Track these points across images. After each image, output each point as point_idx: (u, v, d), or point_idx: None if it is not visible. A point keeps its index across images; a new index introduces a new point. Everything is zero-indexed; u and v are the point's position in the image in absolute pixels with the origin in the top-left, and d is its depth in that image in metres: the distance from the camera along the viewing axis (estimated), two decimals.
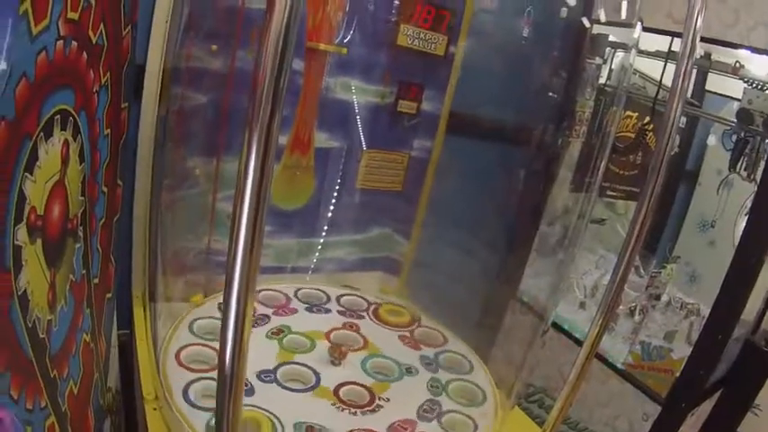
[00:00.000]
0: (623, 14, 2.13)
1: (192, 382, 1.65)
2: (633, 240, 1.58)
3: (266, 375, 1.78)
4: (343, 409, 1.70)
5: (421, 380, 1.90)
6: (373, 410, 1.72)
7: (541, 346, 2.62)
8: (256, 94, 0.87)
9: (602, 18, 2.27)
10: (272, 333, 2.01)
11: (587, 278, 2.96)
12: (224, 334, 0.93)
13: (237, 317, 0.93)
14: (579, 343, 2.05)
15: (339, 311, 2.23)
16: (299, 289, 2.31)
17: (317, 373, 1.84)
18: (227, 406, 0.96)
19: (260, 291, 2.23)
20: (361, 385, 1.82)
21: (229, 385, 0.95)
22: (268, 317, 2.10)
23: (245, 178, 0.89)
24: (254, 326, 2.02)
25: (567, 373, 1.67)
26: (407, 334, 2.16)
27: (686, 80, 1.47)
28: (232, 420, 0.98)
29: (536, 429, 1.99)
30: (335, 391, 1.77)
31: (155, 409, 1.63)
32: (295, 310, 2.18)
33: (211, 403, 1.05)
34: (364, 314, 2.24)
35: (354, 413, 1.69)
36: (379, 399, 1.77)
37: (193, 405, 1.57)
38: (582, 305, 2.83)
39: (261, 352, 1.90)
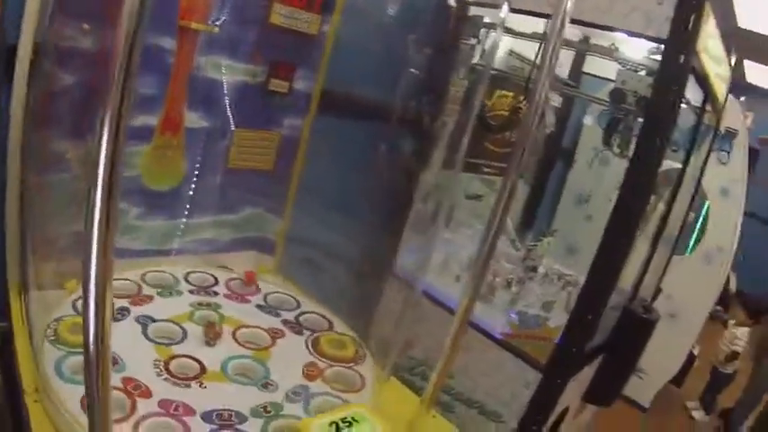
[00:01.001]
0: None
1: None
2: (499, 212, 1.64)
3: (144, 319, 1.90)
4: (157, 365, 1.75)
5: (262, 398, 1.80)
6: (178, 384, 1.71)
7: (417, 320, 2.69)
8: (109, 72, 0.88)
9: None
10: (198, 304, 2.11)
11: (463, 252, 3.02)
12: (86, 312, 0.95)
13: (97, 296, 0.95)
14: None
15: (286, 320, 2.22)
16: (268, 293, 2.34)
17: (184, 333, 1.92)
18: (95, 383, 0.99)
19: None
20: (198, 362, 1.82)
21: (96, 364, 0.98)
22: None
23: (99, 154, 0.89)
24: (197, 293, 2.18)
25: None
26: (318, 365, 2.04)
27: (553, 59, 1.54)
28: (101, 392, 1.00)
29: (414, 399, 2.03)
30: (172, 357, 1.80)
31: (36, 401, 1.60)
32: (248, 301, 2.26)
33: None
34: (307, 333, 2.20)
35: (160, 374, 1.72)
36: (202, 384, 1.75)
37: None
38: (458, 278, 2.89)
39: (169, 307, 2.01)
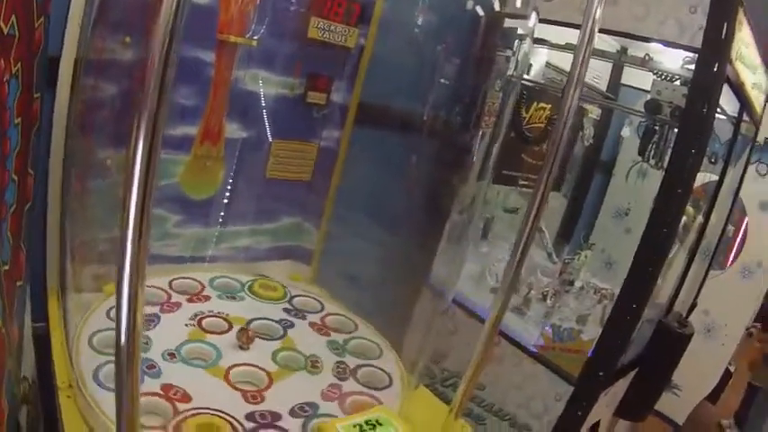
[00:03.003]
0: (518, 3, 2.20)
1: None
2: (530, 223, 1.65)
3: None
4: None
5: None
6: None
7: (452, 332, 2.70)
8: (145, 82, 0.92)
9: (496, 7, 2.33)
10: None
11: (500, 266, 3.01)
12: (118, 314, 0.99)
13: (130, 299, 0.99)
14: None
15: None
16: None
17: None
18: (125, 383, 1.03)
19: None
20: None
21: (126, 363, 1.02)
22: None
23: (133, 163, 0.94)
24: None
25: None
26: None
27: (583, 68, 1.55)
28: (130, 395, 1.04)
29: (443, 408, 2.05)
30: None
31: (68, 396, 1.64)
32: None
33: None
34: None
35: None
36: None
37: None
38: (495, 291, 2.87)
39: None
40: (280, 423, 1.64)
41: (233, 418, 1.62)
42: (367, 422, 1.48)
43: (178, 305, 2.13)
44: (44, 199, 1.97)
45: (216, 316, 2.11)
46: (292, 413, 1.69)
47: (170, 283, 2.24)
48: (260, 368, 1.87)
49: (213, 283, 2.33)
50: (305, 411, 1.71)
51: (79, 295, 1.97)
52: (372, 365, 2.03)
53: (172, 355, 1.85)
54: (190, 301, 2.17)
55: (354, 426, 1.45)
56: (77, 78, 1.91)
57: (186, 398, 1.66)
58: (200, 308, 2.14)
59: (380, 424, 1.49)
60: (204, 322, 2.05)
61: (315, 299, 2.39)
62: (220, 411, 1.63)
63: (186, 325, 2.03)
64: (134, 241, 0.97)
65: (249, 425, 1.62)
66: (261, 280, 2.41)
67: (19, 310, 1.71)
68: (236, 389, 1.76)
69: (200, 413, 1.60)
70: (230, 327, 2.05)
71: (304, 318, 2.24)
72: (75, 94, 1.93)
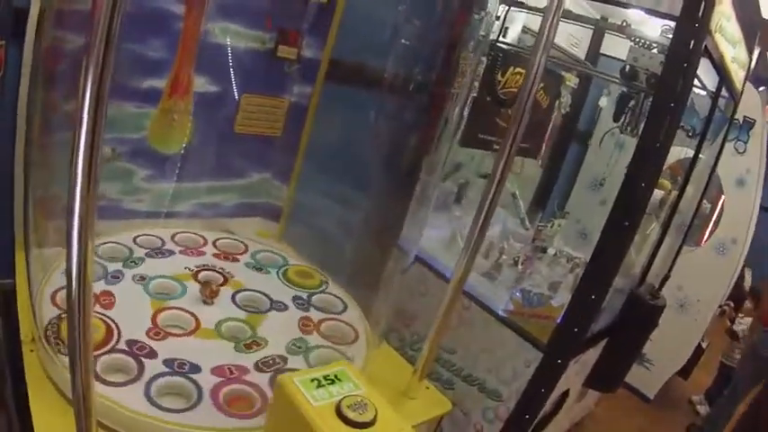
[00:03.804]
0: None
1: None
2: (494, 186, 1.65)
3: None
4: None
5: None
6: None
7: (422, 294, 2.69)
8: (92, 28, 0.90)
9: None
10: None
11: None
12: (69, 267, 1.01)
13: (80, 253, 1.01)
14: (464, 292, 2.12)
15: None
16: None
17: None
18: (78, 341, 1.05)
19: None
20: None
21: (78, 317, 1.04)
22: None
23: (81, 111, 0.95)
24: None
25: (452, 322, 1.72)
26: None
27: (552, 32, 1.56)
28: (83, 349, 1.05)
29: (408, 367, 2.06)
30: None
31: (31, 350, 1.64)
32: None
33: None
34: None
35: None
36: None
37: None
38: None
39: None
40: (147, 361, 1.66)
41: (119, 333, 1.69)
42: (325, 377, 1.46)
43: (201, 254, 2.28)
44: (11, 150, 1.98)
45: (218, 272, 2.18)
46: (167, 362, 1.69)
47: (215, 242, 2.38)
48: (194, 318, 1.90)
49: (256, 255, 2.40)
50: (181, 368, 1.69)
51: (43, 250, 1.96)
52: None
53: (142, 278, 1.97)
54: (217, 256, 2.30)
55: (312, 380, 1.43)
56: (46, 29, 1.88)
57: (109, 306, 1.78)
58: (217, 263, 2.23)
59: (339, 379, 1.46)
60: (201, 274, 2.13)
61: (340, 300, 2.32)
62: (113, 323, 1.71)
63: (185, 268, 2.13)
64: (82, 192, 1.00)
65: (123, 347, 1.66)
66: (302, 267, 2.42)
67: None
68: (155, 324, 1.81)
69: (97, 317, 1.69)
70: (225, 283, 2.13)
71: (306, 310, 2.19)
72: (37, 44, 1.90)
